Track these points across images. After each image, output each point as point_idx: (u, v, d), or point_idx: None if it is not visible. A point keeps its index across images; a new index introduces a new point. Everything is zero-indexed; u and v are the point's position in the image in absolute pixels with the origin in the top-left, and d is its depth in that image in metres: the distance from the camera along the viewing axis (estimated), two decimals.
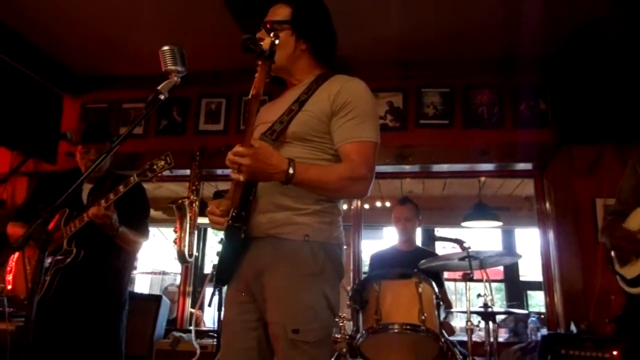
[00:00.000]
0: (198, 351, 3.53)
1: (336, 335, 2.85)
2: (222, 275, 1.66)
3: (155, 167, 2.38)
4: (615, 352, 2.83)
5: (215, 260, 1.66)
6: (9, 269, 2.66)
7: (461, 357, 2.75)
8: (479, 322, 2.84)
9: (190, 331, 4.05)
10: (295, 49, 1.72)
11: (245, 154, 1.40)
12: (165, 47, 1.58)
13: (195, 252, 3.74)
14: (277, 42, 1.41)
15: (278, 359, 1.54)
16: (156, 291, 8.04)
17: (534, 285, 6.97)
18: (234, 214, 1.56)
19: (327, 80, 1.69)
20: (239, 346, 1.61)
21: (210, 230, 6.84)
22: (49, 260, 2.47)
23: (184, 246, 3.63)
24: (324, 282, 1.57)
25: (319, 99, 1.63)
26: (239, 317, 1.63)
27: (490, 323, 2.79)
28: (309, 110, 1.61)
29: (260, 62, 1.41)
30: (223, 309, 1.72)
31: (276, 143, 1.59)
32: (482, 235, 7.61)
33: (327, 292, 1.57)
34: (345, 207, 4.73)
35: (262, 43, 1.41)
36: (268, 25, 1.69)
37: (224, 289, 1.73)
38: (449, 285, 3.69)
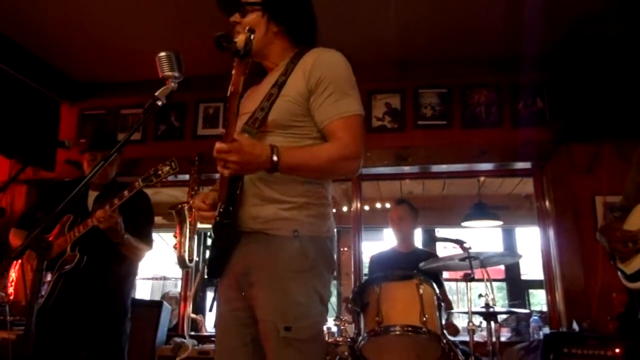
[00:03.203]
0: (190, 347, 3.52)
1: (338, 339, 2.84)
2: (212, 270, 1.63)
3: (160, 172, 2.39)
4: (617, 350, 2.82)
5: (207, 255, 1.64)
6: (10, 276, 2.66)
7: (463, 357, 2.74)
8: (481, 322, 2.84)
9: (191, 337, 4.06)
10: (267, 31, 1.66)
11: (229, 149, 1.37)
12: (162, 53, 1.58)
13: (195, 257, 3.74)
14: (252, 37, 1.36)
15: (269, 358, 1.50)
16: (157, 297, 8.03)
17: (536, 284, 6.98)
18: (221, 210, 1.53)
19: (303, 56, 1.63)
20: (234, 343, 1.59)
21: (210, 234, 6.83)
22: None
23: (184, 251, 3.63)
24: (315, 277, 1.54)
25: (295, 80, 1.58)
26: (231, 314, 1.61)
27: (492, 323, 2.78)
28: (287, 94, 1.56)
29: (235, 60, 1.36)
30: (216, 305, 1.70)
31: (259, 133, 1.55)
32: (482, 235, 7.61)
33: (319, 288, 1.54)
34: (345, 209, 4.73)
35: (236, 41, 1.35)
36: (241, 8, 1.65)
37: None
38: (450, 286, 3.70)
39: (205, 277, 1.64)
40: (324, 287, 1.57)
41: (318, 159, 1.51)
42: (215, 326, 1.76)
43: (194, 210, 3.69)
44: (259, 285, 1.53)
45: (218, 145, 1.39)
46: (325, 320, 1.63)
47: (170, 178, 4.02)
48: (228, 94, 1.38)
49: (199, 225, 3.80)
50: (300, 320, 1.48)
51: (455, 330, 3.24)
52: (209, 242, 1.62)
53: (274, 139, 1.55)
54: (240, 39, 1.35)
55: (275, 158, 1.41)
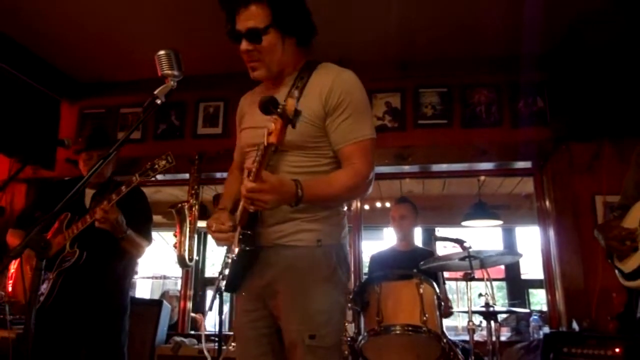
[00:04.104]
0: (208, 357, 3.50)
1: None
2: (230, 286, 1.65)
3: (156, 166, 2.42)
4: (617, 350, 2.82)
5: (218, 265, 1.65)
6: (9, 275, 2.66)
7: (463, 357, 2.74)
8: (481, 321, 2.84)
9: (191, 336, 4.05)
10: (283, 47, 1.61)
11: (262, 190, 1.39)
12: (161, 52, 1.58)
13: (195, 256, 3.74)
14: (298, 104, 1.33)
15: None
16: (157, 296, 8.02)
17: (536, 283, 6.95)
18: (241, 237, 1.56)
19: (313, 73, 1.63)
20: (254, 353, 1.62)
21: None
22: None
23: (184, 250, 3.63)
24: (336, 285, 1.58)
25: (310, 100, 1.58)
26: (251, 325, 1.64)
27: (492, 322, 2.78)
28: (302, 115, 1.54)
29: (280, 122, 1.32)
30: (235, 316, 1.72)
31: (275, 154, 1.56)
32: (482, 234, 7.60)
33: (339, 295, 1.59)
34: (345, 208, 4.73)
35: (285, 105, 1.31)
36: (247, 30, 1.55)
37: (224, 293, 1.72)
38: (450, 285, 3.70)
39: (223, 291, 1.66)
40: (342, 295, 1.62)
41: (335, 188, 1.56)
42: (219, 330, 1.77)
43: (194, 209, 3.72)
44: (283, 296, 1.56)
45: (249, 185, 1.39)
46: (344, 327, 1.66)
47: (170, 177, 4.05)
48: (266, 143, 1.35)
49: (199, 224, 3.80)
50: (324, 328, 1.51)
51: (446, 304, 3.17)
52: (223, 253, 1.64)
53: (292, 158, 1.58)
54: (289, 105, 1.31)
55: (300, 193, 1.45)
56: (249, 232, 1.55)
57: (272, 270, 1.58)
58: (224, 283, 1.65)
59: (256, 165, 1.38)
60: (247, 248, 1.56)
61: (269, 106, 1.32)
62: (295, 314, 1.53)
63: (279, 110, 1.30)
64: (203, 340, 3.64)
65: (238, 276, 1.63)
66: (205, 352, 3.51)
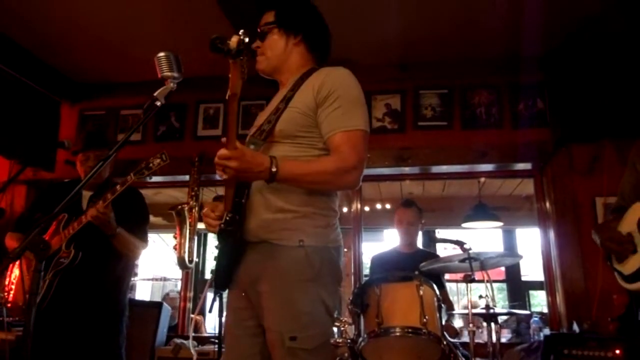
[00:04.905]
0: (195, 357, 3.51)
1: (338, 340, 2.83)
2: (220, 281, 1.64)
3: (151, 164, 2.42)
4: (618, 351, 2.81)
5: (214, 265, 1.64)
6: (8, 278, 2.66)
7: (464, 359, 2.74)
8: (481, 323, 2.83)
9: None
10: (287, 45, 1.74)
11: (231, 156, 1.40)
12: (161, 54, 1.58)
13: (195, 258, 3.74)
14: (246, 39, 1.38)
15: None
16: (157, 298, 8.03)
17: (536, 285, 6.97)
18: (227, 218, 1.54)
19: (312, 74, 1.68)
20: (242, 352, 1.60)
21: (210, 236, 6.83)
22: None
23: (184, 252, 3.63)
24: (320, 287, 1.54)
25: (304, 94, 1.61)
26: (240, 323, 1.62)
27: (493, 324, 2.78)
28: (295, 106, 1.60)
29: (231, 62, 1.39)
30: (225, 314, 1.71)
31: (265, 143, 1.58)
32: (482, 236, 7.61)
33: (325, 297, 1.55)
34: (345, 209, 4.72)
35: (229, 41, 1.37)
36: (259, 30, 1.74)
37: (225, 294, 1.72)
38: (450, 287, 3.70)
39: (214, 289, 1.64)
40: (329, 297, 1.57)
41: (316, 171, 1.53)
42: (219, 332, 1.76)
43: (193, 211, 3.71)
44: (266, 295, 1.54)
45: (220, 151, 1.42)
46: (332, 331, 1.63)
47: (170, 179, 4.04)
48: (227, 97, 1.40)
49: (199, 226, 3.80)
50: (306, 330, 1.49)
51: (454, 332, 3.24)
52: (216, 252, 1.62)
53: (282, 148, 1.58)
54: (233, 40, 1.37)
55: (274, 169, 1.44)
56: (236, 217, 1.53)
57: (255, 268, 1.57)
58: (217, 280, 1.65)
59: (227, 129, 1.42)
60: (229, 228, 1.53)
61: (215, 43, 1.38)
62: (276, 314, 1.51)
63: (224, 45, 1.37)
64: (191, 342, 3.63)
65: (226, 272, 1.62)
66: (193, 353, 3.51)
